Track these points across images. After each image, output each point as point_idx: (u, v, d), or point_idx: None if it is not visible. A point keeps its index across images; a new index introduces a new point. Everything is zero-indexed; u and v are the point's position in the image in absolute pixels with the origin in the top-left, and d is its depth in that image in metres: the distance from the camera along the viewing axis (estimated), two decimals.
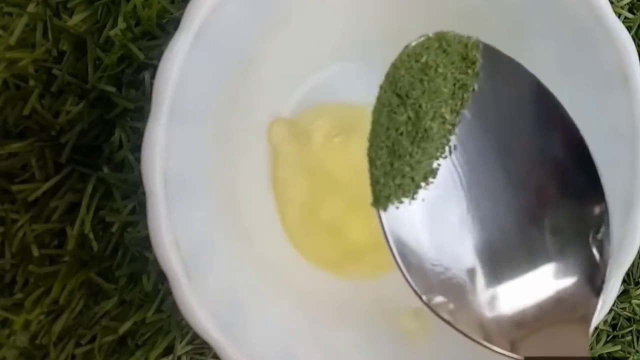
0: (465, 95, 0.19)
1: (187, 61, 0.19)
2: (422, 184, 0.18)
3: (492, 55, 0.20)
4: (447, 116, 0.19)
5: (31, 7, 0.25)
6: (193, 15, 0.20)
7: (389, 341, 0.24)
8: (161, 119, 0.19)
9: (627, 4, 0.32)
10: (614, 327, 0.32)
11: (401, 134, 0.18)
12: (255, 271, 0.23)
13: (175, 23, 0.25)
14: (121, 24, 0.26)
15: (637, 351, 0.32)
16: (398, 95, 0.19)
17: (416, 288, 0.18)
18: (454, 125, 0.19)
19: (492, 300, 0.18)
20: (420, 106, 0.19)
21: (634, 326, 0.32)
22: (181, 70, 0.19)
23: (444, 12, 0.26)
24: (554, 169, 0.19)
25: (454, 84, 0.19)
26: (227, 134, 0.24)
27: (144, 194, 0.19)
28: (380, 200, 0.18)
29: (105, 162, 0.26)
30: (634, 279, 0.32)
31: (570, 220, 0.19)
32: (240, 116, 0.24)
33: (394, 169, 0.18)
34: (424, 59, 0.19)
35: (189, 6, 0.20)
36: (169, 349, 0.26)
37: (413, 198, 0.18)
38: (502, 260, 0.19)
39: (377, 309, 0.25)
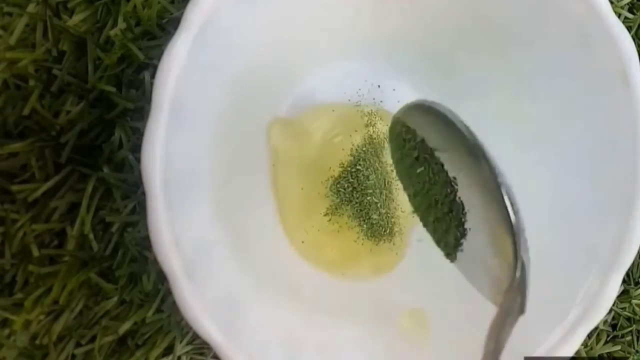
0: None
1: (187, 61, 0.19)
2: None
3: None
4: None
5: (31, 7, 0.25)
6: (193, 15, 0.20)
7: (388, 341, 0.24)
8: (161, 119, 0.19)
9: (627, 4, 0.32)
10: (614, 327, 0.32)
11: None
12: (255, 271, 0.23)
13: (175, 23, 0.25)
14: (121, 24, 0.26)
15: (637, 351, 0.32)
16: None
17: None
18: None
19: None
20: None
21: (634, 326, 0.32)
22: (181, 70, 0.19)
23: (443, 12, 0.26)
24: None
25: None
26: (227, 134, 0.24)
27: (144, 194, 0.19)
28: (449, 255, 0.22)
29: (105, 162, 0.26)
30: (634, 279, 0.32)
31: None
32: (240, 116, 0.24)
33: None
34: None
35: (189, 6, 0.20)
36: (169, 349, 0.26)
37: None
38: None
39: (377, 309, 0.26)
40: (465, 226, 0.21)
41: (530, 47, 0.25)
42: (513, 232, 0.18)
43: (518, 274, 0.18)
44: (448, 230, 0.22)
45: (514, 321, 0.18)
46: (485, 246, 0.20)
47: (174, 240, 0.19)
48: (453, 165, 0.21)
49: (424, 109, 0.21)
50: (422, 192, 0.23)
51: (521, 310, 0.18)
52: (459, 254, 0.21)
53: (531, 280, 0.21)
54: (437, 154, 0.21)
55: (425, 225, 0.23)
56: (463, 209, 0.21)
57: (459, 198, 0.21)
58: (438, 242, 0.22)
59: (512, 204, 0.18)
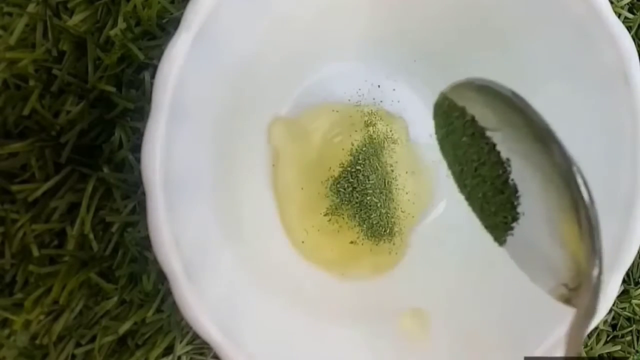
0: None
1: (187, 61, 0.19)
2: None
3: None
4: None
5: (31, 7, 0.25)
6: (193, 15, 0.20)
7: (388, 341, 0.24)
8: (161, 119, 0.19)
9: (627, 4, 0.32)
10: (614, 327, 0.32)
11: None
12: (255, 271, 0.23)
13: (175, 23, 0.25)
14: (121, 24, 0.26)
15: (637, 351, 0.32)
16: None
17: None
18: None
19: None
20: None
21: (634, 326, 0.32)
22: (181, 70, 0.19)
23: (443, 13, 0.26)
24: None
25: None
26: (227, 134, 0.24)
27: (144, 194, 0.19)
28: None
29: (105, 162, 0.26)
30: (634, 279, 0.32)
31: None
32: (240, 116, 0.24)
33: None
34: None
35: (189, 6, 0.20)
36: (169, 349, 0.26)
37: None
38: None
39: (377, 309, 0.26)
40: (518, 210, 0.19)
41: (530, 47, 0.25)
42: (589, 224, 0.16)
43: (596, 272, 0.16)
44: (497, 213, 0.20)
45: (589, 324, 0.17)
46: (543, 234, 0.18)
47: (174, 240, 0.19)
48: (508, 146, 0.19)
49: (478, 87, 0.20)
50: (469, 171, 0.21)
51: (594, 311, 0.17)
52: (508, 238, 0.20)
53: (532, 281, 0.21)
54: (488, 133, 0.20)
55: (471, 206, 0.22)
56: (516, 191, 0.19)
57: (512, 180, 0.19)
58: (485, 225, 0.21)
59: (588, 193, 0.16)
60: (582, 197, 0.16)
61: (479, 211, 0.21)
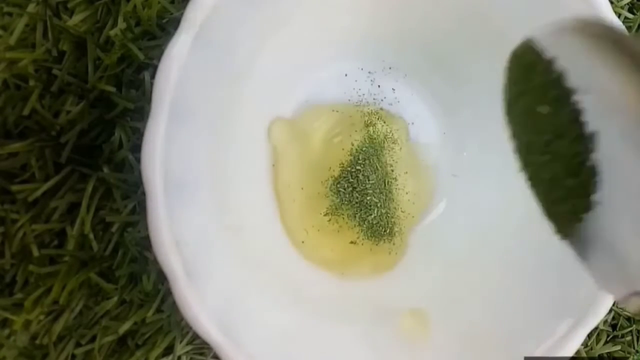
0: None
1: (187, 61, 0.19)
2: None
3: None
4: None
5: (31, 7, 0.25)
6: (193, 15, 0.20)
7: (388, 341, 0.24)
8: (161, 119, 0.19)
9: (627, 4, 0.32)
10: (614, 327, 0.32)
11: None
12: (255, 271, 0.23)
13: (175, 23, 0.25)
14: (121, 24, 0.26)
15: (637, 351, 0.32)
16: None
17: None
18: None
19: None
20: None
21: (634, 326, 0.32)
22: (181, 70, 0.19)
23: (443, 13, 0.26)
24: None
25: None
26: (227, 134, 0.24)
27: (144, 194, 0.19)
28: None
29: (105, 162, 0.26)
30: None
31: None
32: (241, 116, 0.24)
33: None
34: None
35: (189, 6, 0.20)
36: (169, 349, 0.26)
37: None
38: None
39: (377, 309, 0.25)
40: (593, 197, 0.16)
41: None
42: None
43: None
44: (566, 200, 0.17)
45: None
46: (623, 230, 0.15)
47: (174, 240, 0.19)
48: (600, 116, 0.15)
49: (584, 31, 0.16)
50: (538, 145, 0.17)
51: None
52: (575, 232, 0.17)
53: (531, 280, 0.21)
54: (577, 96, 0.16)
55: (533, 189, 0.18)
56: (594, 175, 0.16)
57: (593, 161, 0.16)
58: (548, 212, 0.17)
59: None
60: None
61: (543, 196, 0.18)
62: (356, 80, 0.28)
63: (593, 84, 0.15)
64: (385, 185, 0.27)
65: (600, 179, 0.16)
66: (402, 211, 0.28)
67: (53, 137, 0.25)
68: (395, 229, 0.27)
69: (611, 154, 0.15)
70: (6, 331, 0.25)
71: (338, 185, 0.27)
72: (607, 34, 0.15)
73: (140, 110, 0.26)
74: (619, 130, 0.15)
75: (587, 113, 0.16)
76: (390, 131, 0.28)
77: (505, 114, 0.19)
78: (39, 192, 0.25)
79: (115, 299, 0.26)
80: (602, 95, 0.15)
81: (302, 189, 0.27)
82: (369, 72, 0.28)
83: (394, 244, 0.27)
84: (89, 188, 0.25)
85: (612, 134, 0.15)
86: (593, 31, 0.15)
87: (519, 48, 0.18)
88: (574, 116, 0.16)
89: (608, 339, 0.32)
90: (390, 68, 0.28)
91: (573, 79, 0.16)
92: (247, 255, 0.23)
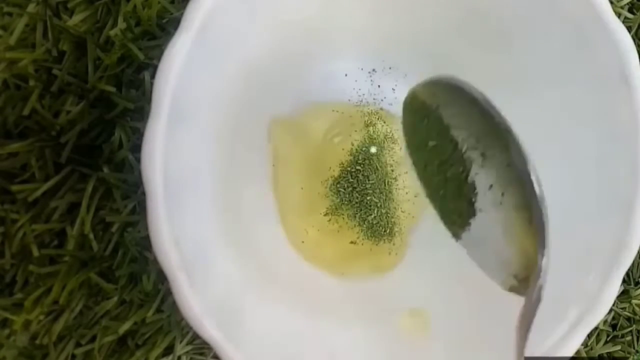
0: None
1: (187, 61, 0.19)
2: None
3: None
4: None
5: (31, 7, 0.25)
6: (193, 15, 0.20)
7: (388, 341, 0.24)
8: (161, 119, 0.19)
9: (627, 4, 0.32)
10: (614, 327, 0.32)
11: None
12: (255, 271, 0.23)
13: (175, 23, 0.25)
14: (121, 24, 0.26)
15: (637, 351, 0.32)
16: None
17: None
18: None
19: None
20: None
21: (634, 326, 0.32)
22: (181, 70, 0.19)
23: (444, 13, 0.26)
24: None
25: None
26: (227, 133, 0.24)
27: (144, 194, 0.19)
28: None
29: (105, 162, 0.26)
30: (634, 279, 0.32)
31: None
32: (240, 116, 0.24)
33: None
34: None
35: (189, 6, 0.20)
36: (169, 349, 0.26)
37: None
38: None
39: (376, 309, 0.26)
40: (475, 206, 0.21)
41: (530, 47, 0.25)
42: (538, 219, 0.18)
43: (544, 261, 0.18)
44: (455, 209, 0.22)
45: (536, 310, 0.18)
46: (497, 229, 0.20)
47: (174, 240, 0.19)
48: (469, 144, 0.20)
49: (447, 86, 0.21)
50: (432, 168, 0.22)
51: (539, 298, 0.18)
52: (464, 234, 0.21)
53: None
54: (453, 131, 0.21)
55: (431, 202, 0.23)
56: (474, 189, 0.21)
57: (472, 178, 0.21)
58: (444, 220, 0.22)
59: (539, 191, 0.18)
60: (534, 194, 0.18)
61: (439, 207, 0.23)
62: (356, 80, 0.28)
63: (461, 122, 0.20)
64: (385, 185, 0.27)
65: (478, 192, 0.20)
66: (402, 211, 0.28)
67: (53, 137, 0.25)
68: (395, 229, 0.27)
69: (482, 173, 0.20)
70: (6, 331, 0.25)
71: (338, 185, 0.27)
72: (458, 85, 0.20)
73: (140, 110, 0.26)
74: (483, 154, 0.20)
75: (461, 142, 0.21)
76: (390, 131, 0.28)
77: (406, 148, 0.24)
78: (39, 192, 0.25)
79: (115, 299, 0.26)
80: (468, 129, 0.20)
81: (302, 189, 0.27)
82: (369, 72, 0.28)
83: (394, 244, 0.27)
84: (89, 188, 0.25)
85: (479, 157, 0.20)
86: (451, 83, 0.20)
87: (407, 96, 0.23)
88: (454, 145, 0.21)
89: (608, 339, 0.32)
90: (390, 68, 0.28)
91: (447, 119, 0.21)
92: (247, 255, 0.23)
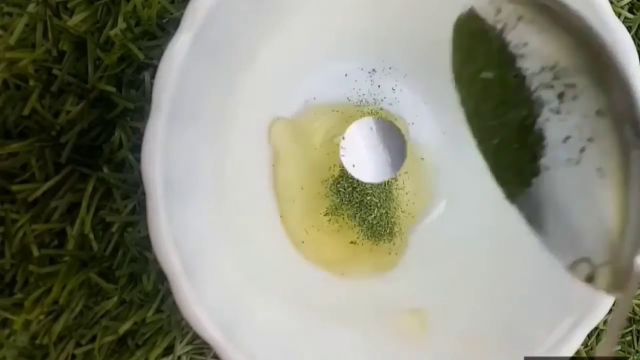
0: None
1: (187, 61, 0.19)
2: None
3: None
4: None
5: (31, 7, 0.25)
6: (193, 15, 0.20)
7: (388, 341, 0.24)
8: (161, 119, 0.19)
9: (627, 4, 0.32)
10: None
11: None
12: (255, 271, 0.23)
13: (175, 23, 0.25)
14: (121, 24, 0.26)
15: (637, 351, 0.32)
16: None
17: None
18: None
19: None
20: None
21: (634, 326, 0.32)
22: (181, 70, 0.19)
23: (443, 13, 0.26)
24: None
25: None
26: (227, 134, 0.24)
27: (144, 194, 0.19)
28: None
29: (105, 162, 0.26)
30: None
31: None
32: (241, 116, 0.24)
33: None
34: None
35: (189, 6, 0.20)
36: (169, 349, 0.26)
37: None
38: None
39: (377, 308, 0.26)
40: (541, 162, 0.16)
41: None
42: (637, 189, 0.13)
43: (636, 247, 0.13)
44: (513, 164, 0.17)
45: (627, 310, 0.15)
46: (569, 195, 0.16)
47: (174, 240, 0.19)
48: (542, 81, 0.16)
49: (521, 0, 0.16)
50: (485, 108, 0.18)
51: (632, 294, 0.14)
52: (521, 196, 0.17)
53: (531, 280, 0.20)
54: (520, 62, 0.17)
55: (483, 153, 0.18)
56: (542, 139, 0.16)
57: (539, 125, 0.16)
58: (497, 176, 0.18)
59: None
60: (637, 155, 0.13)
61: (492, 160, 0.18)
62: (356, 80, 0.28)
63: (531, 49, 0.16)
64: (385, 185, 0.27)
65: (547, 144, 0.16)
66: (402, 211, 0.28)
67: (53, 137, 0.25)
68: (395, 229, 0.27)
69: (556, 117, 0.16)
70: (6, 331, 0.25)
71: (338, 185, 0.27)
72: (543, 2, 0.15)
73: (140, 110, 0.26)
74: (564, 92, 0.15)
75: (532, 77, 0.16)
76: None
77: (454, 80, 0.19)
78: (39, 192, 0.25)
79: (115, 299, 0.26)
80: (539, 60, 0.16)
81: (302, 189, 0.27)
82: (369, 72, 0.28)
83: (394, 244, 0.27)
84: (89, 188, 0.25)
85: (556, 97, 0.16)
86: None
87: (462, 16, 0.18)
88: (519, 81, 0.16)
89: None
90: (390, 68, 0.28)
91: (514, 45, 0.16)
92: (247, 255, 0.23)
